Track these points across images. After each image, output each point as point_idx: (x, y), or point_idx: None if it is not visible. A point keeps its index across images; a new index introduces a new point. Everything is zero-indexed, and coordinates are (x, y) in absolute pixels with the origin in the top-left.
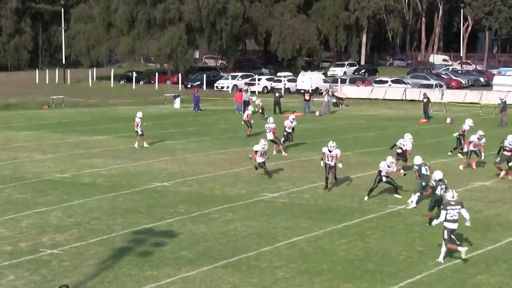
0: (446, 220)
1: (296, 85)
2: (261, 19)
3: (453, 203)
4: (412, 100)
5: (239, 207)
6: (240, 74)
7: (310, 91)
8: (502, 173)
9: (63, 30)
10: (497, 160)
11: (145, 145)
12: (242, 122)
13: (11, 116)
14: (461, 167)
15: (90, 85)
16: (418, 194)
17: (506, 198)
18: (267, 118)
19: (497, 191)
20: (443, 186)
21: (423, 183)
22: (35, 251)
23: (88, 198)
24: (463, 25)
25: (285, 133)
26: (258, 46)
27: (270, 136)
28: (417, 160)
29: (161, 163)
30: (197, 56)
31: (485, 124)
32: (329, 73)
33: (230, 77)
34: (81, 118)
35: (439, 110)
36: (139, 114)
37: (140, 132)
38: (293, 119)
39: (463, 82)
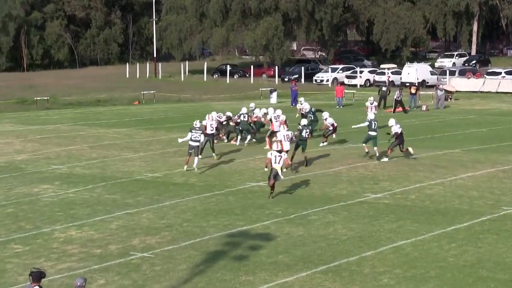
0: (191, 139)
1: (401, 77)
2: (363, 7)
3: (197, 128)
4: None
5: (340, 209)
6: (340, 66)
7: (417, 84)
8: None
9: (154, 21)
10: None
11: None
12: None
13: (101, 112)
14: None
15: (182, 79)
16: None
17: None
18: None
19: None
20: (307, 130)
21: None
22: (126, 254)
23: (180, 198)
24: None
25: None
26: (360, 36)
27: None
28: (244, 110)
29: (257, 162)
30: (295, 48)
31: None
32: (436, 64)
33: (330, 69)
34: (172, 114)
35: None
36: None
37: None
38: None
39: None
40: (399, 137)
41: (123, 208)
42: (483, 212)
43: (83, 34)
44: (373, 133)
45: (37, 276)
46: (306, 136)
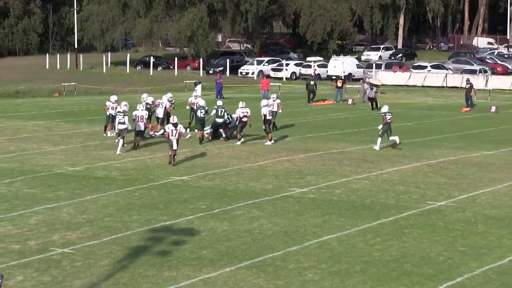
0: (119, 122)
1: (327, 71)
2: None
3: (121, 112)
4: (453, 87)
5: (265, 203)
6: (266, 59)
7: (343, 78)
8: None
9: (75, 11)
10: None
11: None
12: None
13: (19, 104)
14: None
15: (104, 71)
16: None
17: None
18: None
19: None
20: (202, 111)
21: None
22: (45, 250)
23: (102, 193)
24: (511, 5)
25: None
26: (286, 29)
27: None
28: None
29: (181, 156)
30: (220, 40)
31: None
32: (363, 57)
33: (255, 62)
34: (94, 107)
35: (483, 98)
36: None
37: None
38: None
39: (510, 67)
40: (241, 121)
41: (43, 202)
42: (408, 207)
43: (1, 23)
44: (219, 120)
45: None
46: (202, 116)
